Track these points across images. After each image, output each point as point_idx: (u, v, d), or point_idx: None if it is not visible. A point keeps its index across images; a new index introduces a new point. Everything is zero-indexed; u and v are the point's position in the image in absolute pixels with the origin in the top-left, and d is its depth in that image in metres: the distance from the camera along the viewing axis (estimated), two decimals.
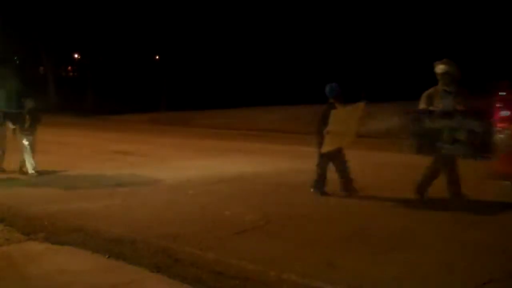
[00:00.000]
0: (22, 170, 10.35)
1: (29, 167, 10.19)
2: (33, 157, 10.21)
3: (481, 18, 21.95)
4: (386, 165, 10.94)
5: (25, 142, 10.16)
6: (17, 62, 35.73)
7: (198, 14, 27.72)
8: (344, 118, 8.10)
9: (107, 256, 5.39)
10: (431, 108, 7.56)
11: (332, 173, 8.24)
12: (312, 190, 8.16)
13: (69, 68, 50.35)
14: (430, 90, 7.70)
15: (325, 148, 7.92)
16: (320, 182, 8.14)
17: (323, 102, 8.38)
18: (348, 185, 8.14)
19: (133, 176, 9.92)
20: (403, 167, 10.51)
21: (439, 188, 8.54)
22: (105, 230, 6.32)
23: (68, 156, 11.89)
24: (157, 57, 38.67)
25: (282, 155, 12.09)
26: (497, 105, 7.40)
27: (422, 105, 7.69)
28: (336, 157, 8.10)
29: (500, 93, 7.62)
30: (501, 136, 7.17)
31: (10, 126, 10.44)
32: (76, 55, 46.06)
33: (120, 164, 11.33)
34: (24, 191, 8.76)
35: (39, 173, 10.10)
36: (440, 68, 7.62)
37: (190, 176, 9.81)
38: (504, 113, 7.30)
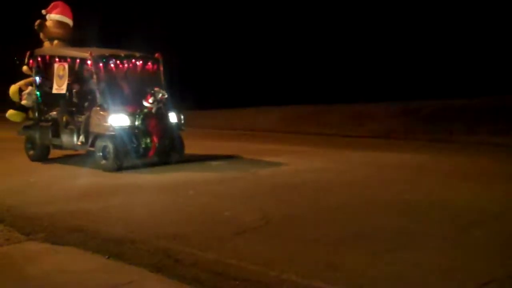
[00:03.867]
0: None
1: None
2: None
3: (482, 17, 21.91)
4: (386, 165, 10.93)
5: None
6: (17, 62, 35.68)
7: (199, 14, 27.70)
8: None
9: (107, 257, 5.39)
10: None
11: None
12: None
13: None
14: None
15: None
16: None
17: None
18: None
19: (133, 176, 9.93)
20: (404, 168, 10.53)
21: (437, 188, 8.56)
22: (105, 230, 6.32)
23: (67, 156, 11.90)
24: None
25: (281, 155, 12.10)
26: None
27: None
28: None
29: None
30: None
31: None
32: None
33: None
34: (24, 191, 8.76)
35: None
36: None
37: (190, 176, 9.81)
38: None
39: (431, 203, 7.52)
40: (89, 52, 10.77)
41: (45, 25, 12.25)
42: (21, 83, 12.11)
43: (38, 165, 11.32)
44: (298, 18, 25.57)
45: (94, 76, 10.57)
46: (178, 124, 10.94)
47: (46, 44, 12.31)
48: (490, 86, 19.91)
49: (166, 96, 10.55)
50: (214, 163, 11.29)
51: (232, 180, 9.48)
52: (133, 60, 11.14)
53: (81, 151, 11.63)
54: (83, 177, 10.07)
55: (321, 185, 8.93)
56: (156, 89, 10.50)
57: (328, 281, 4.63)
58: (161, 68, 11.31)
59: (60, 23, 12.32)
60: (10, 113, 12.12)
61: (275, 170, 10.43)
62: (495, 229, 6.23)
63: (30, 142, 11.90)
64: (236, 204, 7.61)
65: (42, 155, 11.79)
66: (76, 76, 11.41)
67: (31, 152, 11.88)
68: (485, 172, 9.96)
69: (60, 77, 11.12)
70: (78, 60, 11.15)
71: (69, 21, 12.48)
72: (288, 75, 25.41)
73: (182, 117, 11.00)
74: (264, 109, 21.94)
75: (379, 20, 23.56)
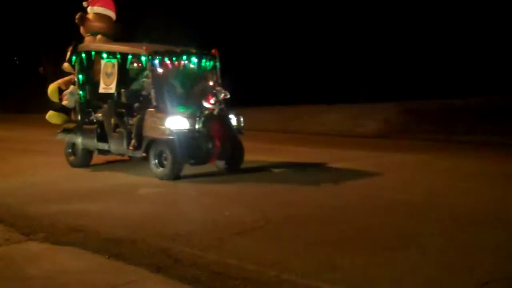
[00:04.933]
0: None
1: None
2: None
3: (482, 17, 21.91)
4: (386, 165, 10.92)
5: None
6: (17, 62, 35.71)
7: (200, 13, 27.64)
8: None
9: (107, 257, 5.39)
10: None
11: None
12: None
13: None
14: None
15: None
16: None
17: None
18: None
19: (133, 176, 9.92)
20: (403, 167, 10.53)
21: (438, 188, 8.56)
22: (105, 231, 6.32)
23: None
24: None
25: (282, 155, 12.08)
26: None
27: None
28: None
29: None
30: None
31: None
32: None
33: (120, 164, 11.32)
34: (24, 191, 8.76)
35: None
36: None
37: (190, 177, 9.80)
38: None
39: (431, 203, 7.52)
40: (143, 47, 9.84)
41: (87, 19, 11.23)
42: (59, 81, 11.18)
43: (38, 165, 11.30)
44: (298, 18, 25.52)
45: (149, 74, 9.61)
46: (238, 127, 9.99)
47: (88, 39, 11.28)
48: (490, 86, 19.91)
49: (228, 96, 9.69)
50: (276, 170, 10.50)
51: (232, 180, 9.44)
52: (190, 57, 10.28)
53: (125, 157, 10.78)
54: (83, 177, 10.07)
55: (320, 185, 8.93)
56: (217, 88, 9.68)
57: (328, 281, 4.63)
58: (218, 66, 10.40)
59: (102, 16, 11.28)
60: (50, 114, 11.11)
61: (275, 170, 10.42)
62: (495, 229, 6.23)
63: (71, 147, 10.88)
64: (236, 204, 7.61)
65: (84, 161, 10.83)
66: (127, 74, 10.50)
67: (72, 158, 10.90)
68: (485, 172, 9.96)
69: (108, 75, 10.26)
70: (129, 57, 10.23)
71: (112, 14, 11.45)
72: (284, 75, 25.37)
73: (241, 119, 10.03)
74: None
75: (381, 21, 23.55)
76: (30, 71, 36.29)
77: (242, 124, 10.05)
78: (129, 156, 10.62)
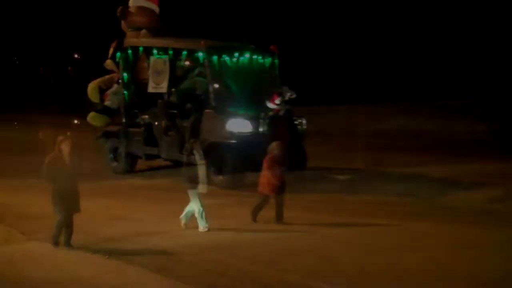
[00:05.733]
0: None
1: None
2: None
3: (482, 17, 21.92)
4: (384, 164, 10.90)
5: None
6: (17, 62, 35.73)
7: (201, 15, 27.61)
8: None
9: (107, 257, 5.40)
10: None
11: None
12: None
13: (69, 68, 50.10)
14: None
15: None
16: None
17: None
18: None
19: (133, 177, 9.92)
20: (404, 167, 10.51)
21: (438, 187, 8.56)
22: (105, 230, 6.33)
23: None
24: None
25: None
26: None
27: None
28: None
29: None
30: None
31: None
32: (76, 55, 45.82)
33: None
34: (24, 191, 8.76)
35: None
36: None
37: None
38: None
39: (431, 201, 7.53)
40: (201, 42, 8.95)
41: (129, 13, 10.41)
42: (99, 80, 10.45)
43: (38, 165, 11.27)
44: (299, 18, 25.46)
45: (207, 72, 8.71)
46: (300, 129, 9.07)
47: (130, 34, 10.43)
48: (491, 86, 19.91)
49: (295, 95, 8.83)
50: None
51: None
52: (249, 53, 9.36)
53: (168, 162, 10.03)
54: (82, 178, 10.04)
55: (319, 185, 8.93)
56: (283, 87, 8.88)
57: (328, 281, 4.64)
58: (277, 63, 9.60)
59: (145, 10, 10.49)
60: (92, 115, 10.35)
61: None
62: (495, 229, 6.23)
63: (113, 152, 10.01)
64: (236, 205, 7.61)
65: (128, 167, 9.93)
66: (176, 71, 9.61)
67: (115, 164, 10.05)
68: (485, 172, 9.95)
69: (158, 73, 9.36)
70: (184, 53, 9.35)
71: (155, 8, 10.68)
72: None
73: (304, 122, 9.08)
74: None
75: (383, 22, 23.55)
76: (30, 71, 36.26)
77: (305, 127, 9.12)
78: (172, 161, 9.78)
